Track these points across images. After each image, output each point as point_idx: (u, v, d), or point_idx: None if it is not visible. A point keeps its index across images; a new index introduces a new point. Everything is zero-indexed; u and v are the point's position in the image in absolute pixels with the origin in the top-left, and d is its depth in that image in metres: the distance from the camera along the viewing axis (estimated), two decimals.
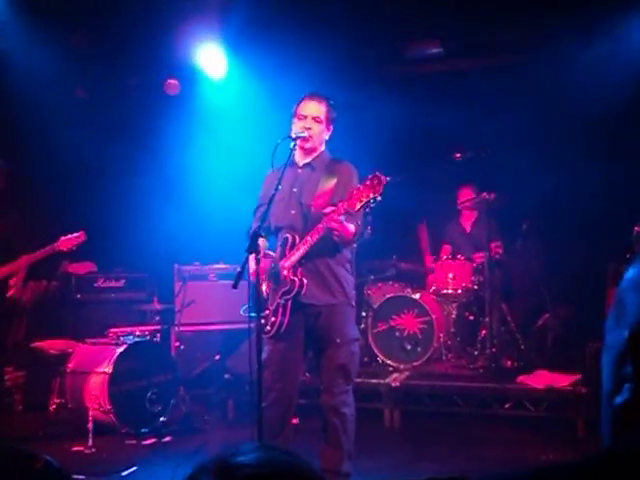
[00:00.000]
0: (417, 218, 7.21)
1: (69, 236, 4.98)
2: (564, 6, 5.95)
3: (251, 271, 3.51)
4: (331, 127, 3.86)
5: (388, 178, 3.25)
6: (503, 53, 6.87)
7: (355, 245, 3.87)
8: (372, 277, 6.77)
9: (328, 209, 3.42)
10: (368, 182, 3.22)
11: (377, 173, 3.22)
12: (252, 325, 3.31)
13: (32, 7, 5.96)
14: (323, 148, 3.89)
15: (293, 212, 3.77)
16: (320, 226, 3.44)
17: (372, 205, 3.28)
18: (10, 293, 5.10)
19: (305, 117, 3.76)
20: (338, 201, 3.40)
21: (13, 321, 6.27)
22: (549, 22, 6.24)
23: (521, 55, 6.84)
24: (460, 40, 6.75)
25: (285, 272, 3.65)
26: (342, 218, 3.35)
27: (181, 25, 6.53)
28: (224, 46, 6.91)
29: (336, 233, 3.43)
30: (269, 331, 3.66)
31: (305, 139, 3.73)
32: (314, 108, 3.77)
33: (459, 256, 6.60)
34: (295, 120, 3.81)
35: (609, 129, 6.42)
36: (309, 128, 3.74)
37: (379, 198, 3.22)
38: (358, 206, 3.25)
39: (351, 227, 3.53)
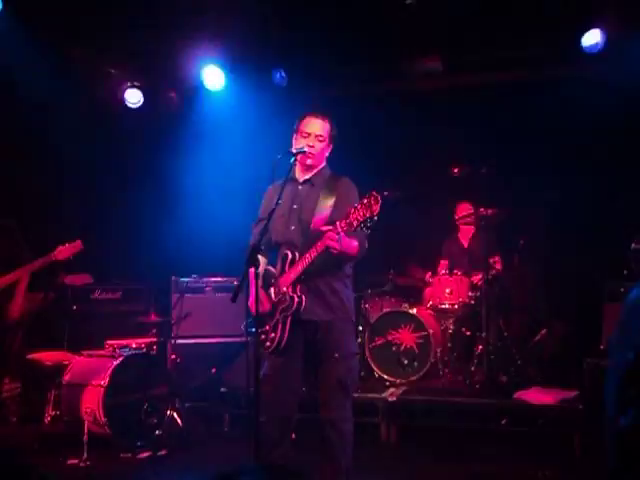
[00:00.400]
0: (417, 232, 7.22)
1: (66, 245, 4.97)
2: (565, 23, 6.01)
3: (253, 289, 3.49)
4: (332, 144, 3.87)
5: (385, 193, 3.26)
6: (502, 70, 6.91)
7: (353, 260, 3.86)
8: (369, 291, 6.77)
9: (325, 228, 3.42)
10: (365, 201, 3.20)
11: (374, 192, 3.19)
12: (250, 340, 3.30)
13: (29, 19, 5.98)
14: (324, 164, 3.90)
15: (293, 228, 3.77)
16: (319, 244, 3.44)
17: (369, 224, 3.26)
18: (14, 305, 5.08)
19: (309, 135, 3.76)
20: (336, 220, 3.39)
21: (9, 332, 6.26)
22: (548, 39, 6.30)
23: (520, 72, 6.89)
24: (459, 56, 6.80)
25: (284, 289, 3.65)
26: (340, 237, 3.35)
27: (181, 39, 6.56)
28: (222, 60, 6.94)
29: (334, 252, 3.43)
30: (269, 347, 3.65)
31: (307, 156, 3.74)
32: (318, 126, 3.77)
33: (456, 271, 6.61)
34: (297, 137, 3.80)
35: (608, 146, 6.47)
36: (312, 146, 3.74)
37: (376, 218, 3.19)
38: (355, 225, 3.25)
39: (354, 243, 3.53)
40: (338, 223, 3.31)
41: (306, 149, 3.71)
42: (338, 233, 3.32)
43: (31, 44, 5.99)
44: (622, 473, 0.83)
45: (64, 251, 4.95)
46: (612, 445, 0.85)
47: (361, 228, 3.26)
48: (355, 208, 3.22)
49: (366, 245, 3.67)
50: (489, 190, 6.08)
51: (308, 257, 3.53)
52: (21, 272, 5.15)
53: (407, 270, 7.15)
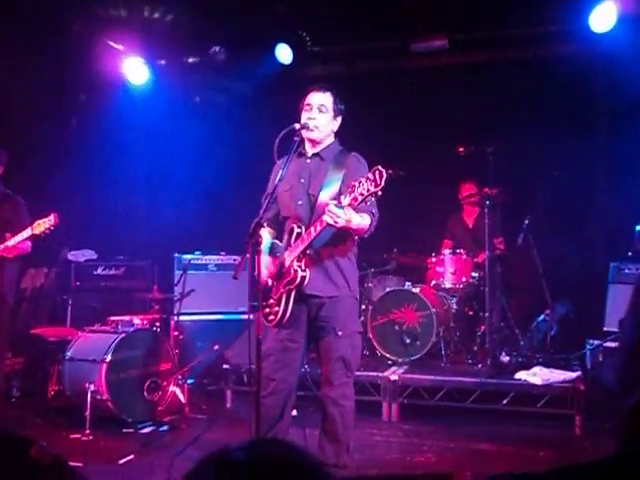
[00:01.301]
0: (421, 210, 7.19)
1: (42, 220, 5.03)
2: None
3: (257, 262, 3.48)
4: (339, 118, 3.84)
5: (390, 171, 3.22)
6: (507, 47, 6.85)
7: (357, 238, 3.85)
8: (372, 270, 6.76)
9: (331, 202, 3.39)
10: (370, 175, 3.19)
11: (379, 167, 3.18)
12: (252, 316, 3.30)
13: None
14: (332, 139, 3.87)
15: (300, 203, 3.75)
16: (322, 219, 3.42)
17: (372, 199, 3.26)
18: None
19: (310, 107, 3.75)
20: (339, 195, 3.38)
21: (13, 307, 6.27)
22: (556, 16, 6.22)
23: (526, 49, 6.82)
24: (466, 33, 6.73)
25: (289, 262, 3.64)
26: (344, 212, 3.32)
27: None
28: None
29: (335, 227, 3.41)
30: (272, 320, 3.66)
31: (311, 129, 3.71)
32: (319, 97, 3.76)
33: (460, 251, 6.58)
34: (302, 112, 3.80)
35: (613, 125, 6.41)
36: (314, 118, 3.72)
37: (380, 192, 3.19)
38: (359, 199, 3.23)
39: (366, 218, 3.51)
40: (343, 197, 3.30)
41: (309, 122, 3.68)
42: (342, 207, 3.30)
43: None
44: (629, 452, 0.81)
45: (40, 225, 5.00)
46: (620, 422, 0.83)
47: (365, 202, 3.25)
48: (360, 182, 3.21)
49: (375, 222, 3.64)
50: (494, 170, 6.03)
51: (312, 231, 3.52)
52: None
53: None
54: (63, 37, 6.57)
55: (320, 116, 3.74)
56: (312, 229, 3.53)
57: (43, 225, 5.02)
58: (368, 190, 3.17)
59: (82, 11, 6.26)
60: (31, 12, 6.00)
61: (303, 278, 3.59)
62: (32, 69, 6.57)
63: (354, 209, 3.35)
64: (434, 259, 6.74)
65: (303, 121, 3.72)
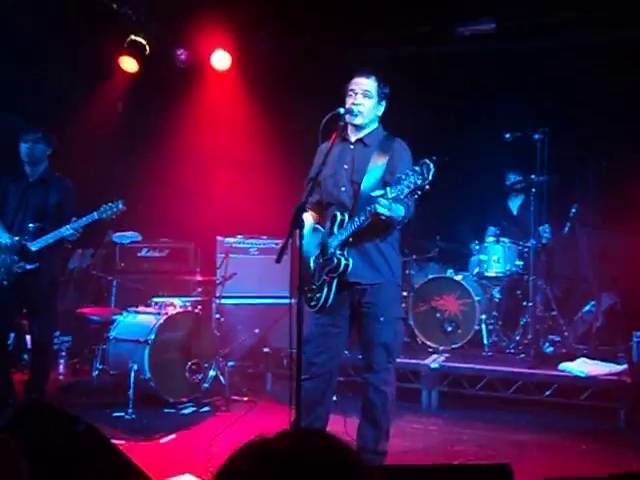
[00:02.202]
0: (465, 197, 7.09)
1: (109, 205, 5.04)
2: None
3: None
4: (383, 103, 3.80)
5: (434, 158, 3.18)
6: (556, 32, 6.68)
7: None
8: (414, 257, 6.71)
9: (376, 193, 3.37)
10: (417, 168, 3.16)
11: (426, 160, 3.16)
12: (294, 300, 3.30)
13: None
14: (376, 125, 3.84)
15: (343, 189, 3.74)
16: (370, 209, 3.40)
17: (420, 193, 3.23)
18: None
19: (356, 92, 3.72)
20: (386, 186, 3.34)
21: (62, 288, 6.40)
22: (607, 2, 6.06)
23: (575, 35, 6.65)
24: (513, 18, 6.58)
25: (332, 250, 3.63)
26: (389, 202, 3.30)
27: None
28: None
29: (383, 217, 3.39)
30: (314, 305, 3.66)
31: (355, 114, 3.69)
32: (363, 82, 3.74)
33: (504, 239, 6.48)
34: (346, 97, 3.77)
35: None
36: (359, 104, 3.69)
37: (427, 187, 3.16)
38: (406, 192, 3.21)
39: (400, 210, 3.48)
40: (389, 189, 3.27)
41: (353, 108, 3.66)
42: (388, 199, 3.27)
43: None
44: None
45: (108, 210, 5.01)
46: None
47: (412, 195, 3.22)
48: (407, 174, 3.18)
49: (412, 210, 3.62)
50: (541, 157, 5.91)
51: (357, 221, 3.50)
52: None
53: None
54: None
55: (365, 101, 3.71)
56: (356, 219, 3.51)
57: (110, 210, 5.03)
58: (415, 183, 3.15)
59: None
60: None
61: (346, 267, 3.58)
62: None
63: (394, 200, 3.33)
64: (477, 247, 6.65)
65: (347, 106, 3.70)
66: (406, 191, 3.20)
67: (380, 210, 3.32)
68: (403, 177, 3.21)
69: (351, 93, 3.75)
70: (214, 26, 6.99)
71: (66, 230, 4.97)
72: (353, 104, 3.70)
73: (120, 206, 5.04)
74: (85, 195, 5.51)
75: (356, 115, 3.70)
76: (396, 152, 3.69)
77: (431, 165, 3.12)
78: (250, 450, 0.83)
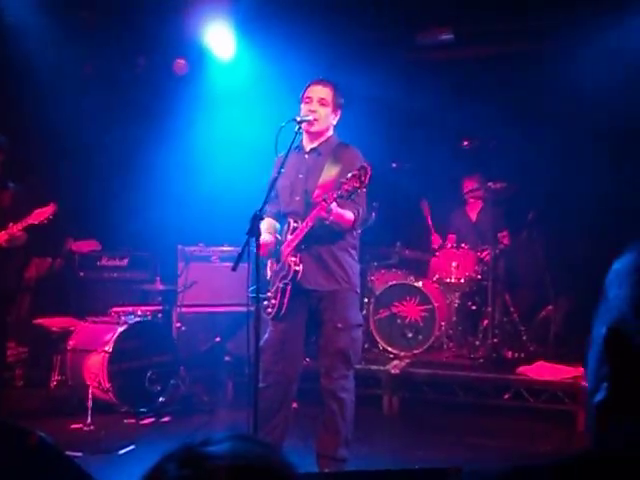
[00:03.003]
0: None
1: (41, 209, 5.06)
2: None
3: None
4: (339, 112, 3.84)
5: (393, 165, 3.26)
6: (514, 41, 6.80)
7: (359, 231, 3.86)
8: (375, 264, 6.74)
9: (319, 198, 3.45)
10: (356, 172, 3.28)
11: (364, 164, 3.30)
12: (251, 308, 3.31)
13: None
14: (331, 133, 3.87)
15: (297, 198, 3.77)
16: (313, 213, 3.46)
17: (354, 195, 3.39)
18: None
19: (311, 100, 3.75)
20: (329, 190, 3.43)
21: (17, 297, 6.29)
22: (563, 11, 6.18)
23: (532, 44, 6.77)
24: (471, 27, 6.68)
25: (284, 256, 3.64)
26: (334, 206, 3.37)
27: (190, 4, 6.48)
28: (233, 27, 6.86)
29: (327, 222, 3.44)
30: (270, 313, 3.67)
31: (310, 123, 3.71)
32: (320, 90, 3.77)
33: (463, 245, 6.56)
34: (302, 105, 3.79)
35: (618, 119, 6.35)
36: (314, 111, 3.72)
37: (364, 189, 3.34)
38: (345, 195, 3.32)
39: (348, 214, 3.53)
40: (330, 194, 3.34)
41: (309, 115, 3.68)
42: (328, 203, 3.34)
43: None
44: (597, 451, 0.81)
45: (39, 214, 5.03)
46: (589, 419, 0.83)
47: (349, 198, 3.34)
48: (347, 179, 3.29)
49: (366, 217, 3.69)
50: (498, 164, 6.01)
51: (304, 227, 3.54)
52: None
53: (421, 205, 7.04)
54: None
55: (320, 109, 3.74)
56: (304, 225, 3.56)
57: (42, 215, 5.04)
58: (353, 186, 3.24)
59: None
60: None
61: (296, 272, 3.61)
62: None
63: (339, 205, 3.39)
64: (437, 253, 6.72)
65: (303, 113, 3.72)
66: (345, 194, 3.30)
67: (320, 213, 3.37)
68: (344, 181, 3.31)
69: (307, 100, 3.77)
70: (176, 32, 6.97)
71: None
72: (309, 111, 3.73)
73: (51, 209, 5.05)
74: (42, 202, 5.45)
75: (311, 123, 3.72)
76: (349, 159, 3.73)
77: (368, 168, 3.26)
78: (181, 455, 0.83)
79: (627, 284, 0.81)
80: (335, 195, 3.33)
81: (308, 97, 3.77)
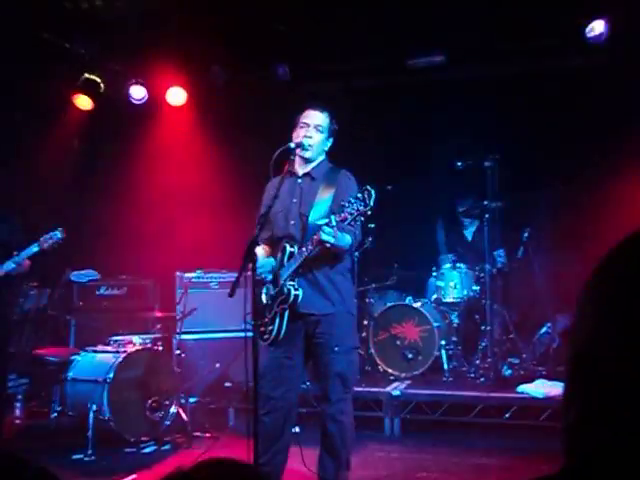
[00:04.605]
0: (421, 225, 7.19)
1: (49, 235, 5.07)
2: (569, 14, 5.99)
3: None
4: (331, 138, 3.88)
5: (389, 187, 3.28)
6: (505, 62, 6.88)
7: (356, 253, 3.89)
8: (373, 285, 6.77)
9: (321, 221, 3.45)
10: (359, 195, 3.27)
11: (367, 187, 3.27)
12: (249, 334, 3.31)
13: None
14: (323, 158, 3.91)
15: (292, 222, 3.79)
16: (315, 238, 3.47)
17: (362, 218, 3.35)
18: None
19: (307, 125, 3.78)
20: (330, 214, 3.44)
21: (16, 328, 6.30)
22: (552, 30, 6.27)
23: (523, 63, 6.86)
24: (463, 49, 6.76)
25: (282, 281, 3.66)
26: (334, 231, 3.38)
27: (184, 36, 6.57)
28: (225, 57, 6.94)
29: (328, 245, 3.45)
30: (267, 339, 3.68)
31: (305, 148, 3.75)
32: (316, 117, 3.80)
33: (460, 265, 6.59)
34: (297, 129, 3.83)
35: (613, 139, 6.41)
36: (310, 137, 3.76)
37: (369, 212, 3.28)
38: (349, 219, 3.31)
39: (347, 238, 3.56)
40: (332, 217, 3.35)
41: (304, 141, 3.72)
42: (332, 227, 3.34)
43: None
44: (569, 471, 0.83)
45: (47, 241, 5.04)
46: (563, 439, 0.85)
47: (355, 221, 3.31)
48: (349, 202, 3.28)
49: (360, 238, 3.71)
50: (493, 183, 6.05)
51: (304, 251, 3.56)
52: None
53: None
54: None
55: (315, 135, 3.78)
56: (303, 249, 3.57)
57: (50, 240, 5.04)
58: (357, 210, 3.25)
59: None
60: None
61: (296, 297, 3.61)
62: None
63: (340, 228, 3.41)
64: (435, 273, 6.75)
65: (299, 139, 3.76)
66: (349, 218, 3.29)
67: (324, 238, 3.39)
68: (346, 204, 3.31)
69: (303, 125, 3.81)
70: (169, 63, 7.07)
71: (8, 265, 4.96)
72: (304, 137, 3.77)
73: (59, 235, 5.05)
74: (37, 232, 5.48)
75: (306, 149, 3.76)
76: (342, 183, 3.76)
77: (372, 191, 3.23)
78: None
79: (592, 305, 0.84)
80: (339, 219, 3.34)
81: (304, 123, 3.80)
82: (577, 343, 0.83)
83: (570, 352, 0.84)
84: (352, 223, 3.38)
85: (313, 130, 3.79)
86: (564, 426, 0.83)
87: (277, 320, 3.64)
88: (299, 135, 3.79)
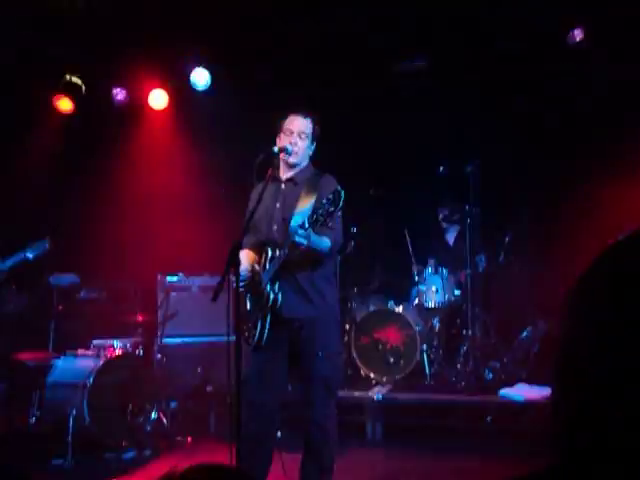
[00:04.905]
0: (401, 231, 7.21)
1: (35, 243, 5.05)
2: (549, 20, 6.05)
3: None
4: (314, 143, 3.89)
5: (371, 192, 3.29)
6: (486, 68, 6.92)
7: (338, 258, 3.89)
8: (355, 289, 6.77)
9: (294, 222, 3.48)
10: (330, 196, 3.31)
11: (337, 188, 3.32)
12: (231, 339, 3.30)
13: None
14: (307, 163, 3.91)
15: (275, 227, 3.79)
16: (288, 240, 3.48)
17: (329, 220, 3.41)
18: None
19: (292, 132, 3.77)
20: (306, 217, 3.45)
21: None
22: (533, 36, 6.32)
23: (505, 69, 6.90)
24: (444, 55, 6.80)
25: (263, 285, 3.65)
26: (306, 233, 3.38)
27: (166, 39, 6.54)
28: (208, 61, 6.94)
29: (302, 247, 3.46)
30: (250, 343, 3.67)
31: (289, 152, 3.75)
32: (301, 124, 3.79)
33: (442, 270, 6.62)
34: (281, 135, 3.82)
35: (596, 145, 6.48)
36: (295, 144, 3.75)
37: (339, 213, 3.40)
38: (320, 221, 3.34)
39: (325, 241, 3.56)
40: (305, 220, 3.37)
41: (289, 147, 3.72)
42: (306, 229, 3.36)
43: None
44: (558, 466, 0.85)
45: (35, 249, 5.01)
46: (550, 441, 0.87)
47: (324, 223, 3.37)
48: (322, 204, 3.30)
49: (340, 241, 3.72)
50: (474, 188, 6.09)
51: (282, 254, 3.56)
52: None
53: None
54: None
55: (300, 142, 3.78)
56: (280, 252, 3.58)
57: (38, 249, 5.01)
58: (327, 210, 3.27)
59: None
60: None
61: (275, 300, 3.61)
62: None
63: (318, 231, 3.44)
64: (417, 278, 6.77)
65: (283, 145, 3.75)
66: (321, 219, 3.33)
67: (297, 240, 3.39)
68: (318, 206, 3.36)
69: (287, 132, 3.79)
70: (151, 65, 7.04)
71: None
72: (289, 143, 3.76)
73: (46, 245, 5.03)
74: (19, 237, 5.43)
75: (290, 154, 3.76)
76: (324, 188, 3.76)
77: (342, 192, 3.28)
78: None
79: (576, 310, 0.85)
80: (311, 220, 3.36)
81: (288, 129, 3.79)
82: (562, 346, 0.85)
83: (556, 355, 0.86)
84: (329, 224, 3.43)
85: (297, 137, 3.78)
86: (552, 428, 0.84)
87: (259, 325, 3.64)
88: (283, 141, 3.79)
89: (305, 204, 3.68)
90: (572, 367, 0.82)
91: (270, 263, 3.67)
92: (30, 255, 5.02)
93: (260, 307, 3.65)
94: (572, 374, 0.82)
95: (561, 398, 0.83)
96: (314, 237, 3.46)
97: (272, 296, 3.61)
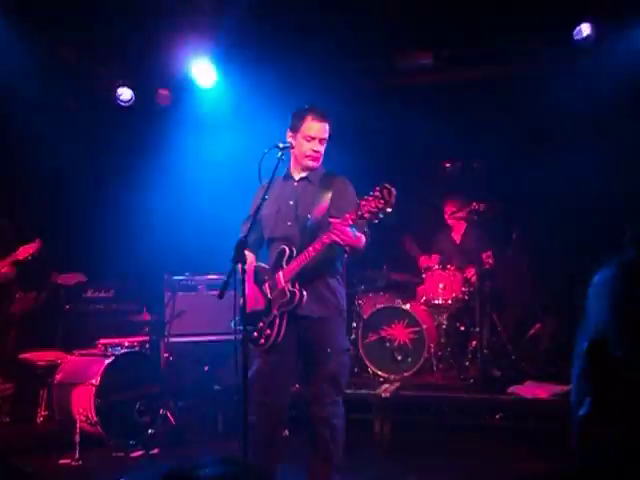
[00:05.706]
0: (407, 228, 7.17)
1: (27, 245, 5.11)
2: (557, 16, 6.00)
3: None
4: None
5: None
6: (493, 64, 6.89)
7: (345, 256, 3.86)
8: (363, 287, 6.75)
9: (334, 220, 3.37)
10: (377, 193, 3.15)
11: (386, 184, 3.15)
12: (238, 338, 3.26)
13: (18, 18, 5.96)
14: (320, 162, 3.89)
15: (289, 224, 3.74)
16: (324, 237, 3.41)
17: (380, 217, 3.21)
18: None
19: (313, 138, 3.71)
20: (345, 212, 3.35)
21: (2, 332, 6.24)
22: (540, 33, 6.28)
23: (511, 66, 6.87)
24: (451, 51, 6.77)
25: (283, 284, 3.61)
26: (349, 229, 3.32)
27: (172, 37, 6.53)
28: (215, 57, 6.91)
29: (342, 244, 3.39)
30: (263, 344, 3.63)
31: (314, 159, 3.74)
32: (322, 129, 3.72)
33: (449, 266, 6.58)
34: (297, 136, 3.73)
35: (601, 142, 6.43)
36: (318, 151, 3.73)
37: (389, 210, 3.16)
38: (367, 217, 3.22)
39: (362, 237, 3.52)
40: (348, 215, 3.29)
41: (313, 154, 3.71)
42: (347, 225, 3.29)
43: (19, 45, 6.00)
44: (582, 464, 0.82)
45: (24, 251, 5.07)
46: (574, 433, 0.84)
47: (373, 220, 3.22)
48: (366, 200, 3.19)
49: (367, 241, 3.65)
50: (481, 185, 6.06)
51: (312, 251, 3.49)
52: None
53: (402, 243, 7.07)
54: None
55: (321, 147, 3.75)
56: (311, 249, 3.50)
57: (28, 251, 5.06)
58: (377, 207, 3.16)
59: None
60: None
61: (300, 299, 3.56)
62: None
63: (353, 226, 3.36)
64: (424, 275, 6.74)
65: (307, 152, 3.72)
66: (367, 216, 3.20)
67: (338, 236, 3.32)
68: (363, 203, 3.21)
69: (307, 138, 3.71)
70: (156, 63, 7.03)
71: None
72: (314, 151, 3.72)
73: (36, 246, 5.09)
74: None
75: (315, 161, 3.75)
76: (339, 187, 3.73)
77: (392, 189, 3.13)
78: (169, 477, 0.83)
79: (606, 296, 0.83)
80: (354, 216, 3.25)
81: (309, 136, 3.71)
82: (589, 336, 0.83)
83: (581, 346, 0.83)
84: (368, 221, 3.29)
85: (318, 144, 3.73)
86: (575, 419, 0.82)
87: (276, 324, 3.60)
88: (304, 147, 3.72)
89: (322, 202, 3.64)
90: (600, 357, 0.79)
91: (288, 261, 3.62)
92: (20, 257, 5.10)
93: (279, 306, 3.61)
94: (600, 365, 0.79)
95: (587, 391, 0.80)
96: (355, 233, 3.38)
97: (297, 294, 3.56)
